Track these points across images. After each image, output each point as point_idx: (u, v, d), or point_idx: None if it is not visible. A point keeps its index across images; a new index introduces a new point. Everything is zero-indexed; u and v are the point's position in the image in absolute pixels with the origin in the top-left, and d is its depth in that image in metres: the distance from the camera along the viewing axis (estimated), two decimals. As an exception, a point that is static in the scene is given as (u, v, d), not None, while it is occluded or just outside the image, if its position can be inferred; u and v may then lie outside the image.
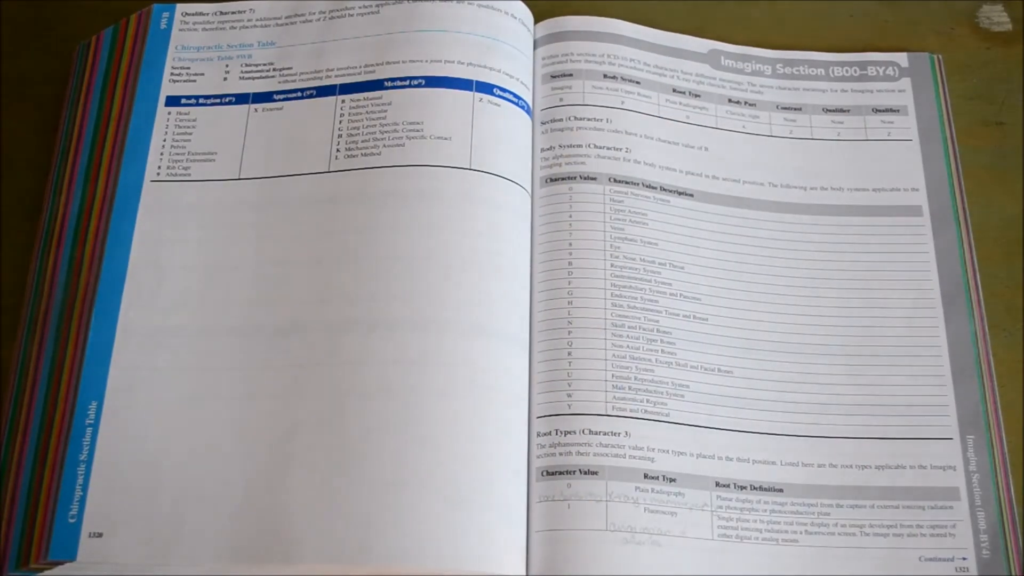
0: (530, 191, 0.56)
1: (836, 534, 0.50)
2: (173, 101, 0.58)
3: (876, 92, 0.61)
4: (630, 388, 0.52)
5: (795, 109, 0.60)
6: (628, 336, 0.53)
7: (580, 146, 0.57)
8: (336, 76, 0.58)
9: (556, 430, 0.51)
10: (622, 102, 0.59)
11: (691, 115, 0.60)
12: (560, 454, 0.50)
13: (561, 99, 0.58)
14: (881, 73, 0.61)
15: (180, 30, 0.60)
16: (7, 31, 0.63)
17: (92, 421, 0.50)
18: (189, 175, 0.56)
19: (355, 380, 0.50)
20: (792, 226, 0.57)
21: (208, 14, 0.61)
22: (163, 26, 0.60)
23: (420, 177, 0.54)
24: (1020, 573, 0.50)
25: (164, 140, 0.57)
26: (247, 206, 0.55)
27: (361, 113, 0.56)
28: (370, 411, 0.49)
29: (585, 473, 0.50)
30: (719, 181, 0.58)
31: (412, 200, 0.53)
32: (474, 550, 0.47)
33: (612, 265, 0.54)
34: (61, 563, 0.48)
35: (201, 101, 0.58)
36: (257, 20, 0.61)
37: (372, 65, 0.58)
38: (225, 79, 0.59)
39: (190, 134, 0.57)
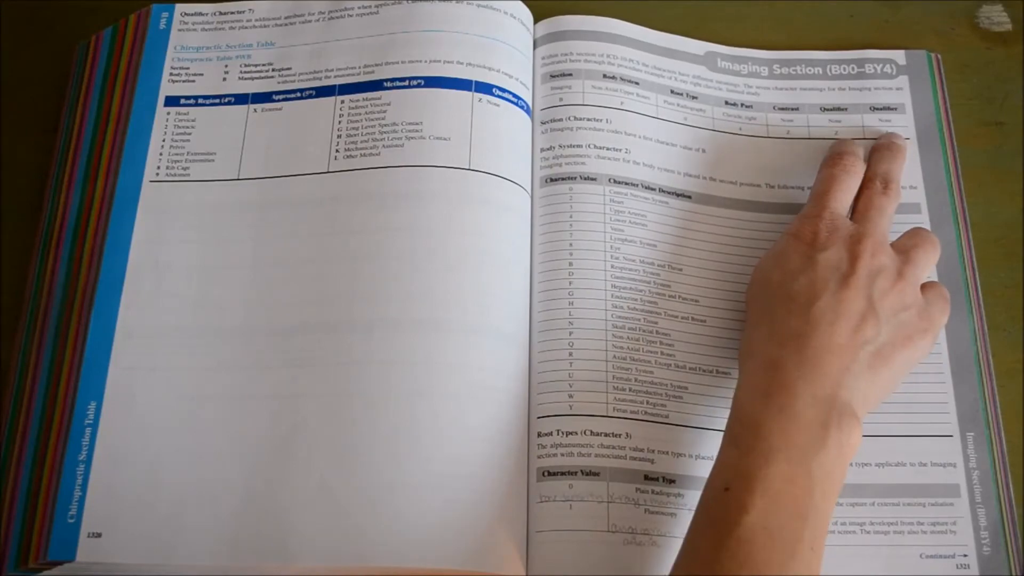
0: (530, 191, 0.56)
1: (836, 532, 0.50)
2: (172, 101, 0.58)
3: (874, 90, 0.61)
4: (630, 389, 0.52)
5: (792, 109, 0.60)
6: (628, 337, 0.53)
7: (580, 146, 0.57)
8: (335, 76, 0.58)
9: (558, 430, 0.51)
10: (621, 103, 0.59)
11: (688, 116, 0.60)
12: (562, 455, 0.50)
13: (561, 99, 0.58)
14: (879, 71, 0.61)
15: (179, 30, 0.60)
16: (7, 31, 0.63)
17: (91, 421, 0.50)
18: (188, 175, 0.56)
19: (354, 380, 0.50)
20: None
21: (207, 14, 0.61)
22: (162, 26, 0.60)
23: (419, 178, 0.54)
24: (1021, 570, 0.50)
25: (163, 140, 0.57)
26: (246, 206, 0.55)
27: (360, 113, 0.56)
28: (370, 411, 0.49)
29: (587, 474, 0.50)
30: (716, 183, 0.58)
31: (411, 200, 0.53)
32: (474, 550, 0.47)
33: (612, 266, 0.54)
34: (60, 563, 0.48)
35: (200, 101, 0.58)
36: (256, 20, 0.61)
37: (371, 65, 0.58)
38: (224, 79, 0.59)
39: (189, 134, 0.57)
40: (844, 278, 0.49)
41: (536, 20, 0.61)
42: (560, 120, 0.58)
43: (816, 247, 0.50)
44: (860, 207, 0.53)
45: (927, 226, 0.57)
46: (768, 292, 0.51)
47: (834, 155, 0.56)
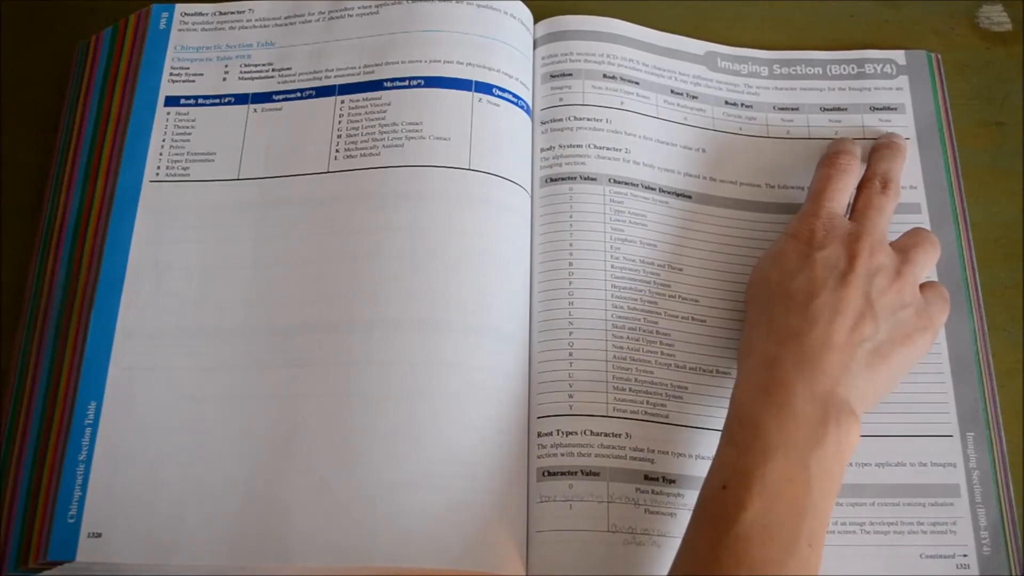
0: (530, 191, 0.56)
1: (836, 532, 0.50)
2: (172, 101, 0.58)
3: (874, 90, 0.61)
4: (630, 390, 0.52)
5: (792, 109, 0.60)
6: (628, 337, 0.53)
7: (580, 146, 0.57)
8: (335, 76, 0.58)
9: (558, 431, 0.51)
10: (621, 102, 0.59)
11: (688, 116, 0.60)
12: (562, 455, 0.50)
13: (561, 99, 0.58)
14: (879, 71, 0.61)
15: (179, 30, 0.60)
16: (7, 31, 0.63)
17: (91, 421, 0.50)
18: (188, 175, 0.56)
19: (354, 380, 0.50)
20: (790, 226, 0.57)
21: (207, 14, 0.61)
22: (162, 26, 0.60)
23: (419, 178, 0.54)
24: (1021, 570, 0.50)
25: (163, 140, 0.57)
26: (246, 206, 0.55)
27: (360, 113, 0.56)
28: (370, 411, 0.49)
29: (587, 474, 0.50)
30: (716, 183, 0.58)
31: (411, 201, 0.53)
32: (474, 550, 0.47)
33: (612, 266, 0.54)
34: (60, 563, 0.48)
35: (200, 101, 0.58)
36: (256, 20, 0.61)
37: (371, 65, 0.58)
38: (224, 79, 0.59)
39: (189, 134, 0.57)
40: (842, 276, 0.49)
41: (536, 20, 0.61)
42: (560, 120, 0.58)
43: (814, 246, 0.50)
44: (859, 206, 0.53)
45: (927, 226, 0.57)
46: (767, 291, 0.51)
47: (830, 154, 0.56)
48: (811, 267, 0.50)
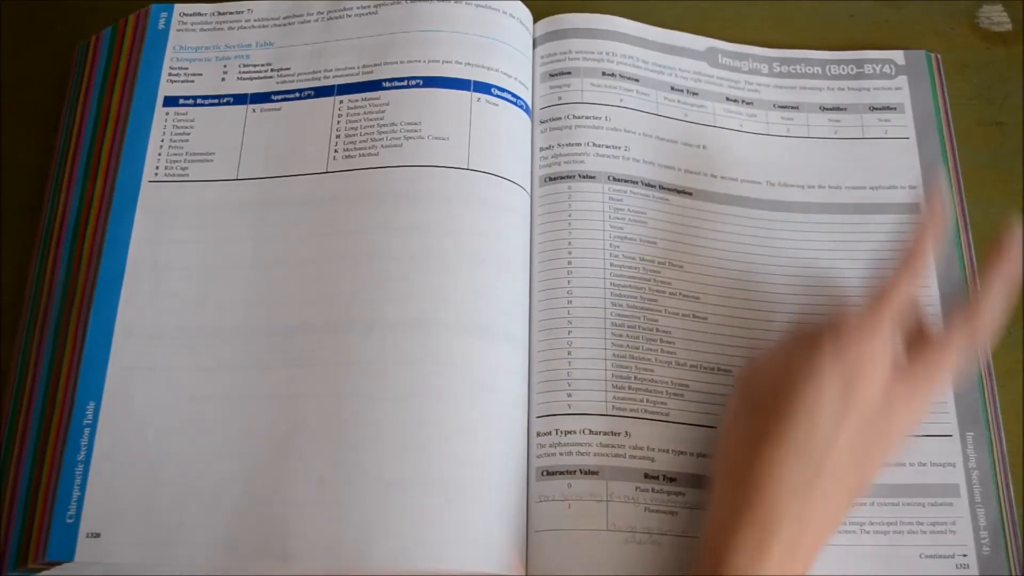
0: (529, 190, 0.56)
1: (835, 532, 0.50)
2: (171, 101, 0.58)
3: (873, 90, 0.61)
4: (630, 388, 0.52)
5: (792, 108, 0.60)
6: (628, 336, 0.53)
7: (579, 145, 0.57)
8: (334, 76, 0.58)
9: (556, 430, 0.51)
10: (621, 100, 0.58)
11: (689, 113, 0.60)
12: (561, 454, 0.50)
13: (560, 97, 0.58)
14: (878, 71, 0.61)
15: (178, 30, 0.60)
16: (7, 31, 0.63)
17: (90, 421, 0.50)
18: (187, 175, 0.56)
19: (354, 380, 0.50)
20: (790, 224, 0.57)
21: (206, 14, 0.61)
22: (161, 26, 0.60)
23: (418, 178, 0.54)
24: (1021, 570, 0.50)
25: (162, 140, 0.57)
26: (245, 206, 0.55)
27: (359, 113, 0.56)
28: (369, 411, 0.49)
29: (586, 473, 0.50)
30: (717, 180, 0.58)
31: (410, 200, 0.53)
32: (474, 550, 0.47)
33: (612, 264, 0.54)
34: (59, 563, 0.48)
35: (199, 101, 0.58)
36: (255, 20, 0.61)
37: (370, 65, 0.58)
38: (223, 79, 0.59)
39: (188, 134, 0.57)
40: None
41: (536, 19, 0.61)
42: (559, 119, 0.58)
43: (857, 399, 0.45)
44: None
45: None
46: (767, 407, 0.46)
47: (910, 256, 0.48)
48: (845, 427, 0.44)
